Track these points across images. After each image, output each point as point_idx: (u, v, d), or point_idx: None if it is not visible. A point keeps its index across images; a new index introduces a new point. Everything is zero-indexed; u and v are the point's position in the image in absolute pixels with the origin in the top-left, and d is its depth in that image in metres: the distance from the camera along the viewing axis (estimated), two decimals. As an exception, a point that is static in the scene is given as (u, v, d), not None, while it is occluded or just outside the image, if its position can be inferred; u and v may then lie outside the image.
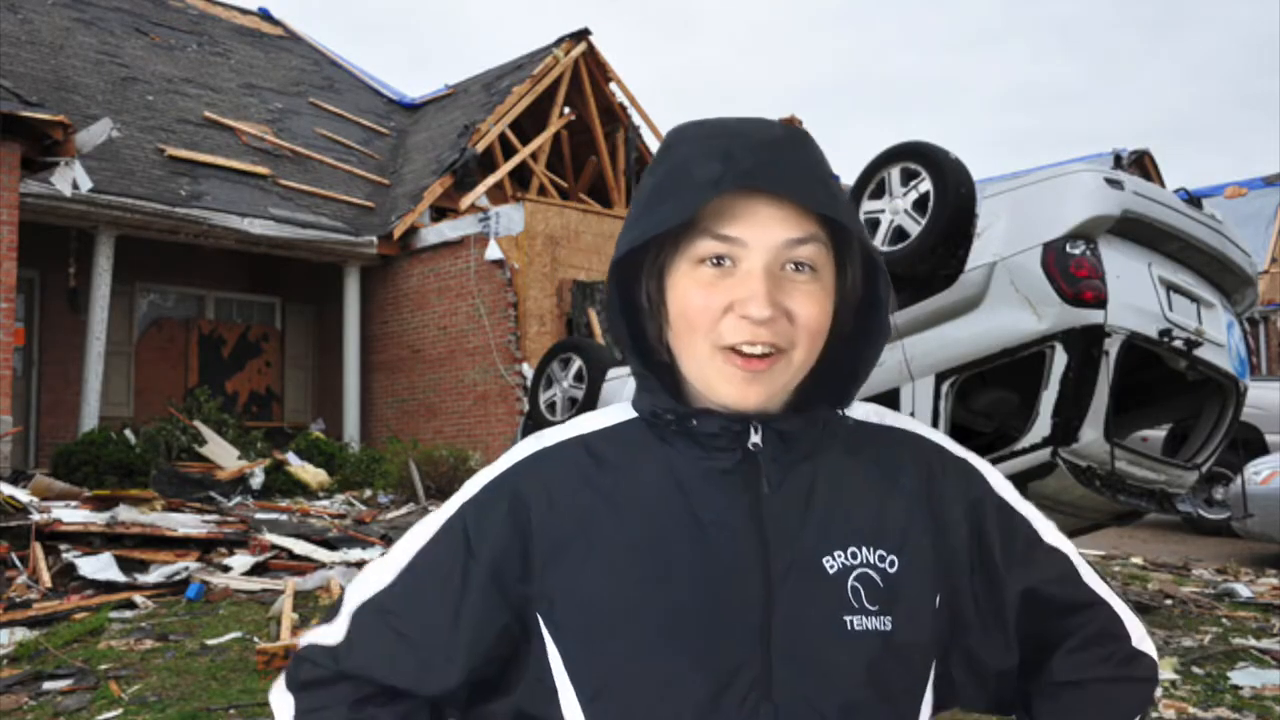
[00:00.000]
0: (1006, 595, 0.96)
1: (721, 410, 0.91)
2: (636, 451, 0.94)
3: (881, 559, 0.90)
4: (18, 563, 5.57)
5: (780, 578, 0.88)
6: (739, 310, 0.87)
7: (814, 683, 0.86)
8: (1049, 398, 4.36)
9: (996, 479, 1.01)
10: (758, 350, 0.87)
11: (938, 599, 0.93)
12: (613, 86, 14.82)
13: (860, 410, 1.00)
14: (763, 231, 0.87)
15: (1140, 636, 1.01)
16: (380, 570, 0.96)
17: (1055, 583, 0.98)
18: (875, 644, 0.88)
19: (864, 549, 0.90)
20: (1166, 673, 4.01)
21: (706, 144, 0.89)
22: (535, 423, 6.63)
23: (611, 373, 6.07)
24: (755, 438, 0.91)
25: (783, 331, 0.87)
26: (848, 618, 0.88)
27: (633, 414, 0.97)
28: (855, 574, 0.89)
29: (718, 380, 0.89)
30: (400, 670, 0.92)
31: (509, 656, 0.92)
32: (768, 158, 0.87)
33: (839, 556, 0.90)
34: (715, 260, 0.88)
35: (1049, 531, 1.00)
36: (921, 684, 0.92)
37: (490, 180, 13.32)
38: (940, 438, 1.01)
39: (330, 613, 0.97)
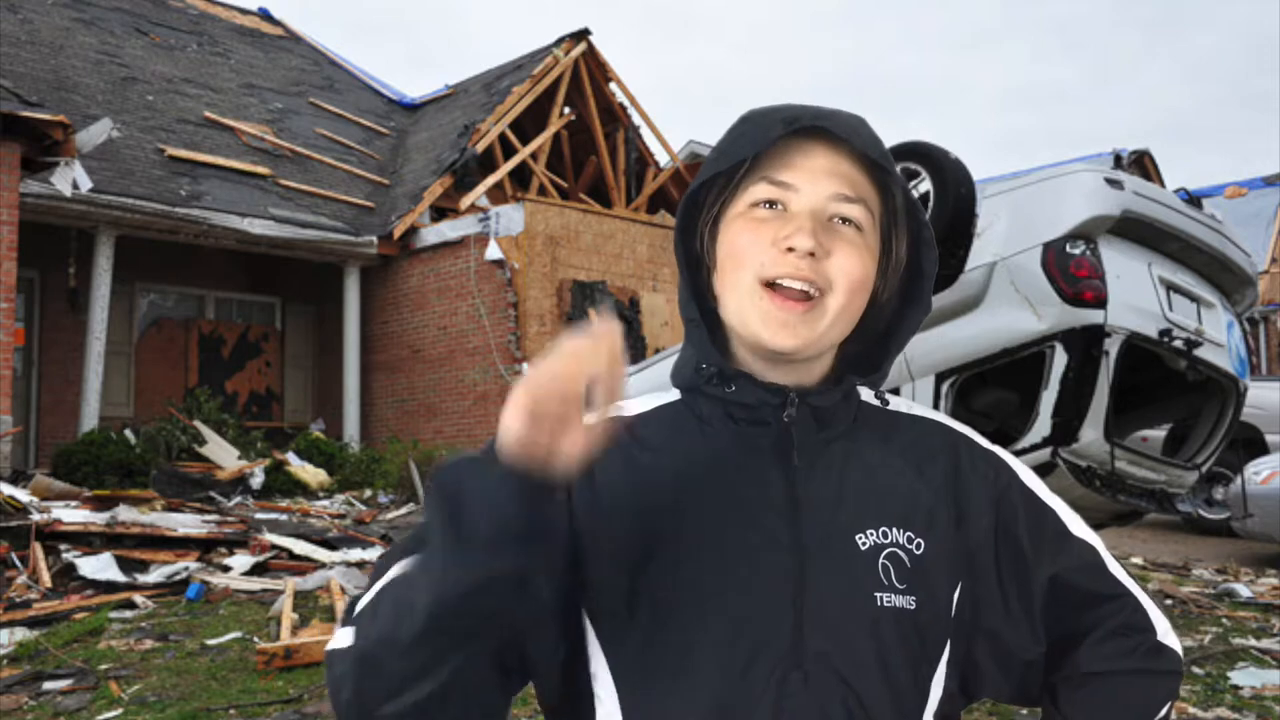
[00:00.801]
0: (1034, 583, 0.98)
1: (760, 380, 0.94)
2: (674, 431, 0.96)
3: (909, 540, 0.93)
4: (18, 563, 5.57)
5: (813, 552, 0.90)
6: (782, 244, 0.90)
7: (843, 654, 0.88)
8: (1049, 398, 4.36)
9: (1024, 472, 1.03)
10: (798, 286, 0.90)
11: (959, 585, 0.95)
12: (613, 86, 14.82)
13: (896, 402, 1.03)
14: (815, 181, 0.92)
15: (1165, 630, 1.02)
16: None
17: (1082, 572, 1.00)
18: (901, 620, 0.90)
19: (894, 529, 0.93)
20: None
21: (773, 109, 0.95)
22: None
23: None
24: (791, 409, 0.93)
25: (822, 272, 0.90)
26: (878, 594, 0.90)
27: (670, 397, 1.00)
28: (885, 552, 0.92)
29: (755, 318, 0.91)
30: None
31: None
32: (834, 116, 0.93)
33: (871, 535, 0.92)
34: (768, 204, 0.92)
35: (1076, 523, 1.02)
36: (935, 663, 0.94)
37: (490, 180, 13.32)
38: (969, 430, 1.04)
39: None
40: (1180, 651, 1.02)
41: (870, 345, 0.99)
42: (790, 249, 0.90)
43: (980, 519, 0.97)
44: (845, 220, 0.92)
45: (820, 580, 0.89)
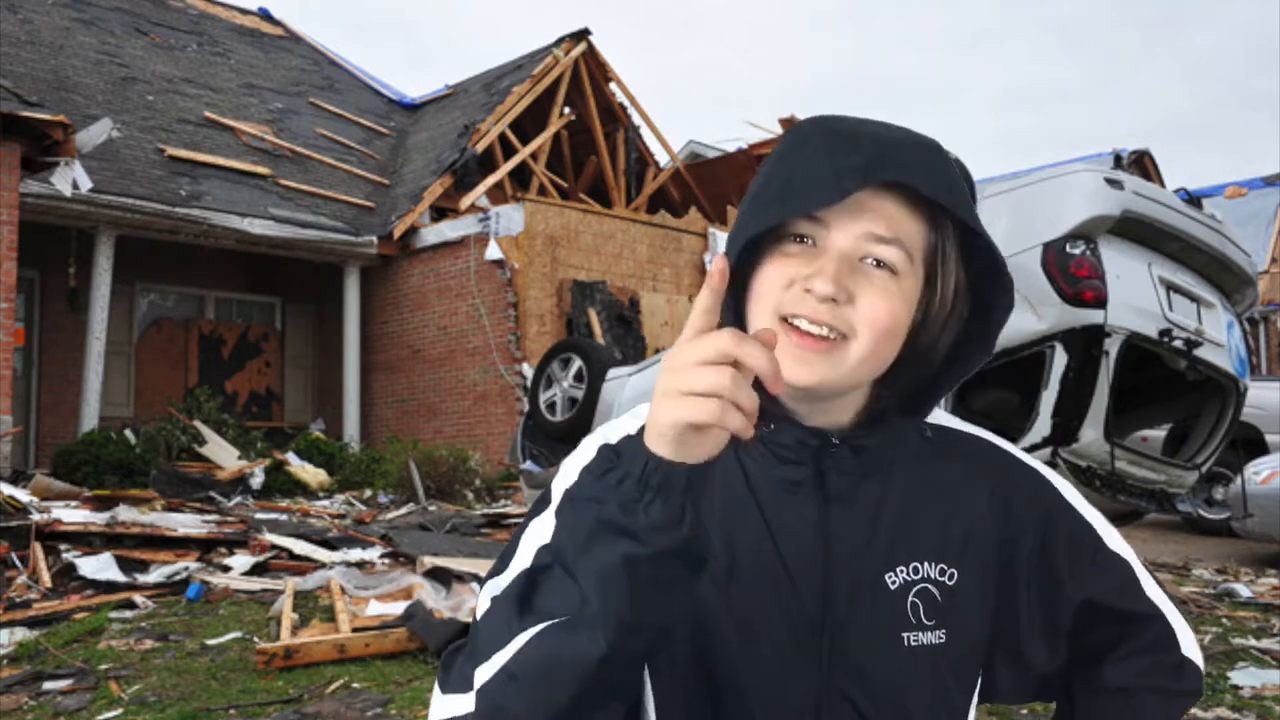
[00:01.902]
0: (1064, 604, 0.97)
1: (799, 421, 0.91)
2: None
3: (942, 572, 0.92)
4: (18, 563, 5.57)
5: (841, 595, 0.89)
6: (805, 284, 0.86)
7: (869, 697, 0.88)
8: (1049, 398, 4.36)
9: (1065, 486, 1.01)
10: (816, 330, 0.86)
11: (992, 609, 0.95)
12: (613, 86, 14.82)
13: (934, 418, 1.00)
14: (850, 218, 0.86)
15: (1189, 643, 1.01)
16: (504, 573, 0.87)
17: (1115, 592, 0.99)
18: (930, 658, 0.89)
19: (925, 563, 0.91)
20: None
21: (841, 129, 0.88)
22: (535, 422, 6.63)
23: (611, 373, 6.07)
24: (830, 456, 0.91)
25: (844, 316, 0.86)
26: (905, 634, 0.89)
27: None
28: (915, 589, 0.90)
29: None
30: None
31: None
32: (895, 150, 0.86)
33: (901, 572, 0.91)
34: (799, 238, 0.88)
35: (1112, 537, 1.01)
36: (970, 692, 0.93)
37: (490, 180, 13.32)
38: (1010, 447, 1.01)
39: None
40: (1201, 665, 1.02)
41: (917, 383, 0.95)
42: (809, 290, 0.85)
43: (1020, 540, 0.96)
44: (878, 262, 0.87)
45: (846, 624, 0.88)
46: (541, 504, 0.91)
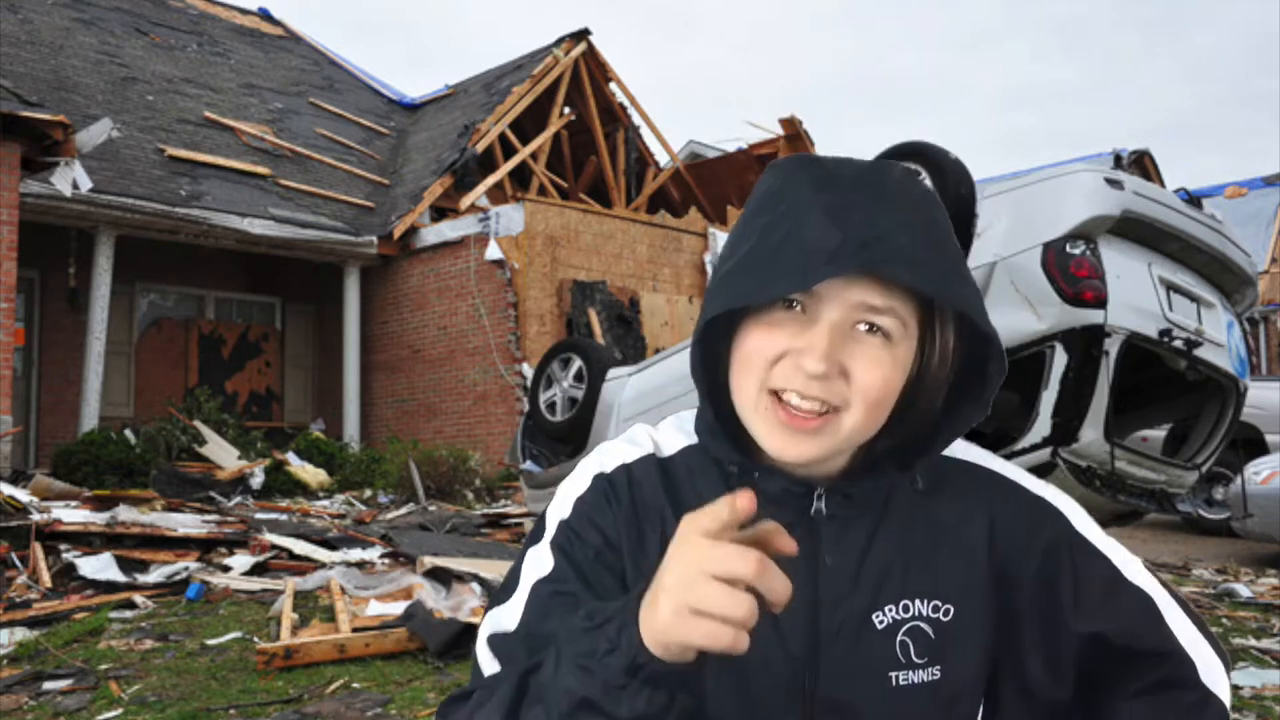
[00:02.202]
0: (1067, 637, 0.93)
1: (785, 470, 0.89)
2: (704, 485, 0.91)
3: (935, 609, 0.89)
4: (18, 563, 5.57)
5: (828, 638, 0.88)
6: (795, 359, 0.83)
7: None
8: (1049, 398, 4.36)
9: (1078, 516, 0.97)
10: (807, 406, 0.83)
11: (992, 642, 0.92)
12: (613, 86, 14.82)
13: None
14: (843, 288, 0.83)
15: (1215, 678, 0.95)
16: (506, 604, 0.90)
17: (1127, 626, 0.94)
18: (921, 697, 0.88)
19: (917, 601, 0.89)
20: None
21: (819, 199, 0.84)
22: (535, 423, 6.63)
23: (611, 373, 6.06)
24: (819, 504, 0.89)
25: (837, 391, 0.83)
26: (893, 674, 0.88)
27: (694, 438, 0.95)
28: (905, 628, 0.89)
29: (763, 428, 0.86)
30: None
31: None
32: (886, 229, 0.81)
33: (889, 611, 0.89)
34: (789, 303, 0.85)
35: (1132, 569, 0.96)
36: None
37: (490, 180, 13.32)
38: (1020, 475, 0.98)
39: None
40: (1227, 699, 0.96)
41: (911, 436, 0.92)
42: (800, 366, 0.83)
43: (1022, 571, 0.93)
44: (871, 327, 0.84)
45: (832, 666, 0.87)
46: (538, 533, 0.91)
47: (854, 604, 0.88)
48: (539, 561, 0.88)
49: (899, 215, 0.83)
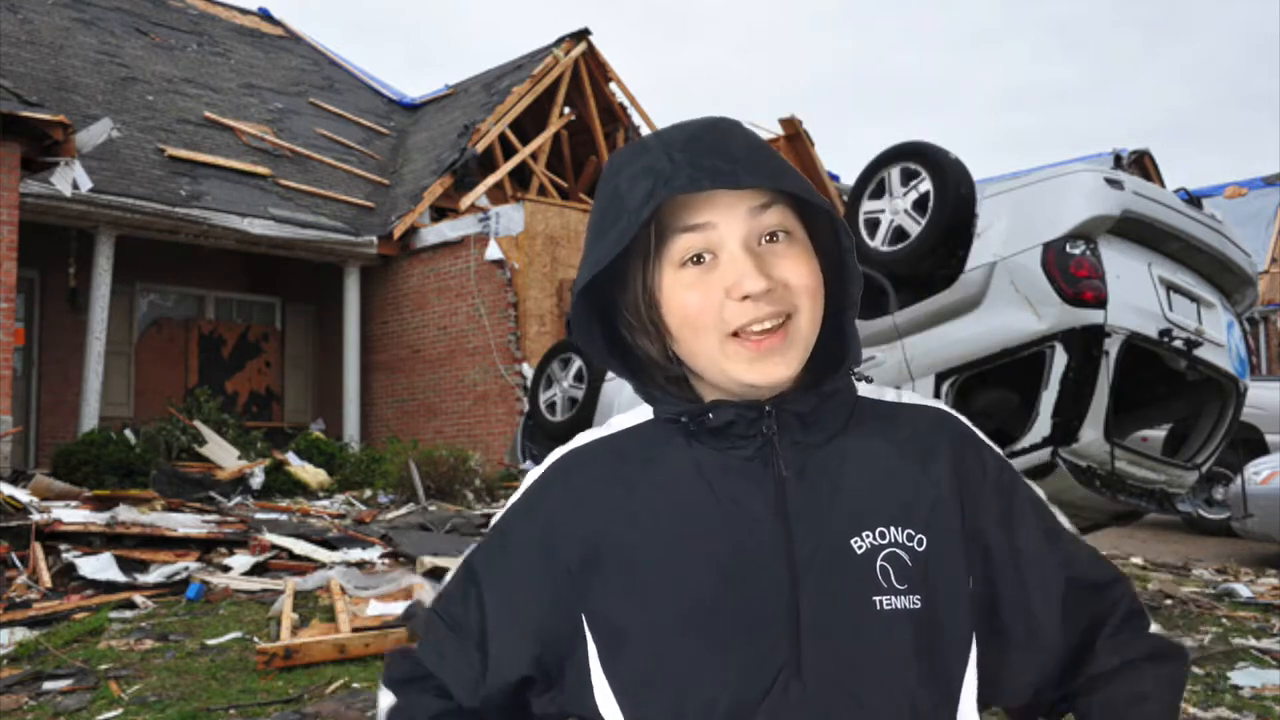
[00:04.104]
0: (1050, 576, 0.96)
1: (735, 399, 0.92)
2: (661, 447, 0.95)
3: (910, 538, 0.91)
4: (18, 563, 5.57)
5: (807, 562, 0.89)
6: (735, 293, 0.88)
7: (844, 663, 0.87)
8: (1049, 398, 4.36)
9: (1020, 475, 1.02)
10: (766, 325, 0.88)
11: (971, 580, 0.94)
12: (613, 86, 14.82)
13: (892, 393, 1.02)
14: (727, 210, 0.89)
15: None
16: (450, 580, 1.03)
17: (1083, 563, 0.99)
18: (905, 622, 0.88)
19: (892, 528, 0.91)
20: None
21: (633, 165, 0.91)
22: (535, 423, 6.63)
23: (611, 373, 6.06)
24: (769, 420, 0.92)
25: (783, 298, 0.89)
26: (876, 598, 0.88)
27: (652, 413, 1.00)
28: (884, 554, 0.90)
29: (736, 367, 0.90)
30: (462, 678, 0.98)
31: (565, 653, 0.94)
32: (689, 158, 0.88)
33: (867, 537, 0.90)
34: (695, 259, 0.90)
35: (1065, 519, 1.02)
36: (959, 665, 0.92)
37: (490, 180, 13.33)
38: (970, 423, 1.02)
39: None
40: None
41: (827, 336, 0.95)
42: (745, 296, 0.88)
43: (988, 511, 0.96)
44: (772, 235, 0.90)
45: (815, 590, 0.88)
46: (490, 531, 1.00)
47: (831, 531, 0.90)
48: (488, 557, 1.00)
49: (702, 142, 0.90)
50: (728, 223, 0.89)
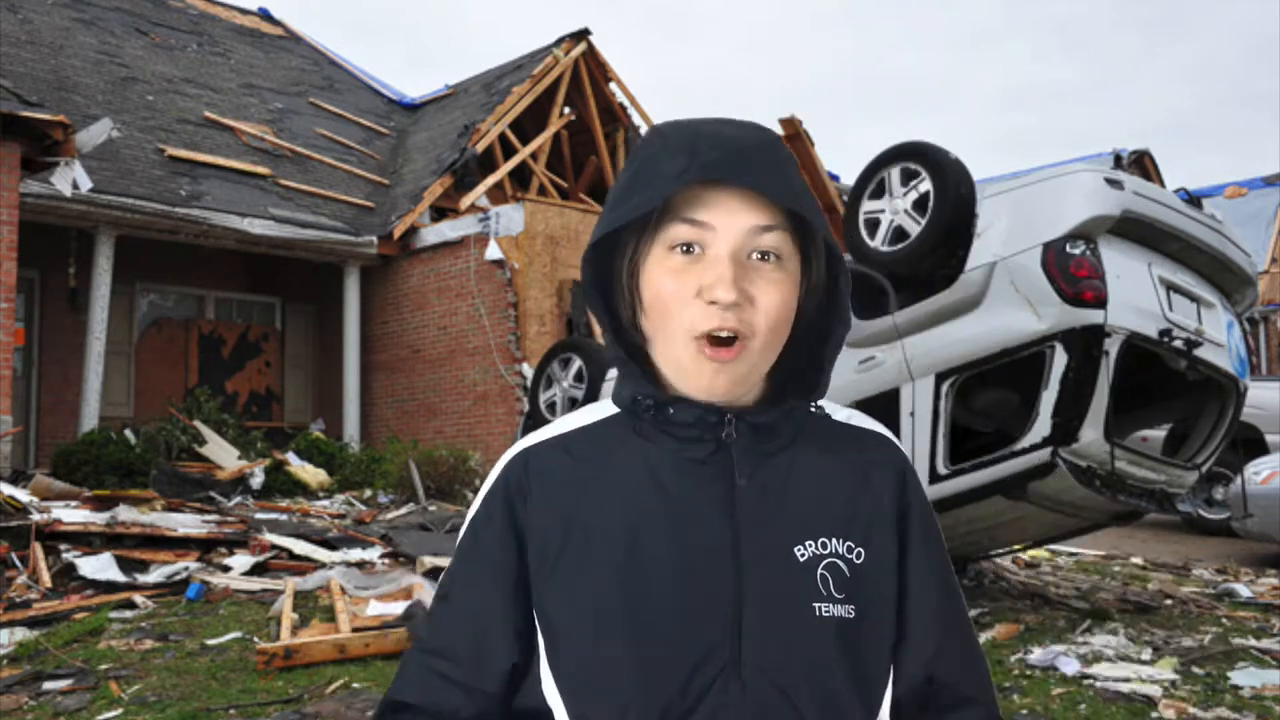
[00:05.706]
0: (921, 644, 0.99)
1: (697, 400, 0.95)
2: (614, 446, 0.98)
3: (849, 550, 0.95)
4: (18, 563, 5.57)
5: (751, 565, 0.92)
6: (706, 295, 0.91)
7: (781, 665, 0.90)
8: (1049, 398, 4.36)
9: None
10: (723, 335, 0.91)
11: (894, 593, 0.98)
12: (613, 86, 14.82)
13: (842, 413, 1.05)
14: (730, 218, 0.92)
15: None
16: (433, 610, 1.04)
17: (957, 664, 1.00)
18: (840, 630, 0.92)
19: (834, 540, 0.95)
20: (1166, 673, 4.01)
21: (675, 140, 0.93)
22: (535, 423, 6.63)
23: (611, 373, 6.07)
24: (729, 429, 0.95)
25: (745, 319, 0.91)
26: (816, 604, 0.92)
27: (612, 410, 1.02)
28: (824, 563, 0.94)
29: (691, 368, 0.93)
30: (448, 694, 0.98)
31: (534, 643, 0.96)
32: (733, 152, 0.91)
33: (810, 546, 0.94)
34: (685, 248, 0.93)
35: (961, 593, 1.06)
36: (882, 673, 0.96)
37: (490, 180, 13.32)
38: (908, 456, 1.06)
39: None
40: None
41: (803, 362, 1.00)
42: (713, 301, 0.90)
43: (914, 531, 1.00)
44: (764, 255, 0.92)
45: (758, 593, 0.91)
46: (457, 546, 1.02)
47: (775, 534, 0.93)
48: (471, 548, 1.01)
49: (746, 146, 0.92)
50: (726, 229, 0.92)
